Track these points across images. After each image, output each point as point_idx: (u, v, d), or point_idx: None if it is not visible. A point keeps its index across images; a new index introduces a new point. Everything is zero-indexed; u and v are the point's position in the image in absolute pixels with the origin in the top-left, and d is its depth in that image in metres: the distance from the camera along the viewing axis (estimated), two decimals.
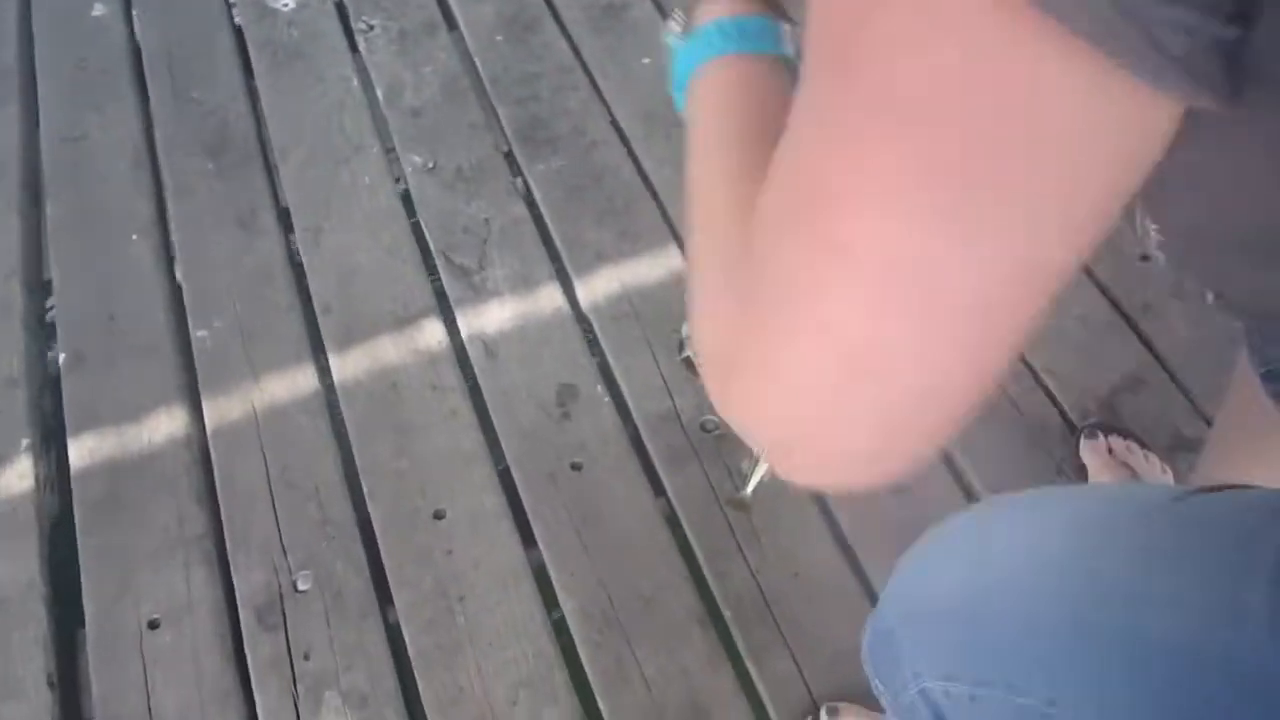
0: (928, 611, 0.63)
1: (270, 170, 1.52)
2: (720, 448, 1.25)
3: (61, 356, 1.33)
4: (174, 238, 1.45)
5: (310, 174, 1.50)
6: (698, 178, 0.42)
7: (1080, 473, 1.20)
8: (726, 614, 1.14)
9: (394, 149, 1.55)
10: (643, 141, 1.57)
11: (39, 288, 1.43)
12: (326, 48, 1.67)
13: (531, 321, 1.36)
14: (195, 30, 1.68)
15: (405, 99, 1.61)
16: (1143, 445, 1.21)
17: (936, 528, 0.65)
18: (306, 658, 1.11)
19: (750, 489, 1.12)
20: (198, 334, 1.35)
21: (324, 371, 1.32)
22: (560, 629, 1.14)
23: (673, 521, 1.21)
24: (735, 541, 1.19)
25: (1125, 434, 1.22)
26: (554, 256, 1.44)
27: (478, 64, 1.65)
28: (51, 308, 1.39)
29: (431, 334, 1.35)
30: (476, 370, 1.32)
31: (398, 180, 1.51)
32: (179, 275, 1.41)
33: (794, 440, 0.35)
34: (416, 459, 1.24)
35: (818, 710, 1.08)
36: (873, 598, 1.14)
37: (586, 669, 1.11)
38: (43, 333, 1.39)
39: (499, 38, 1.69)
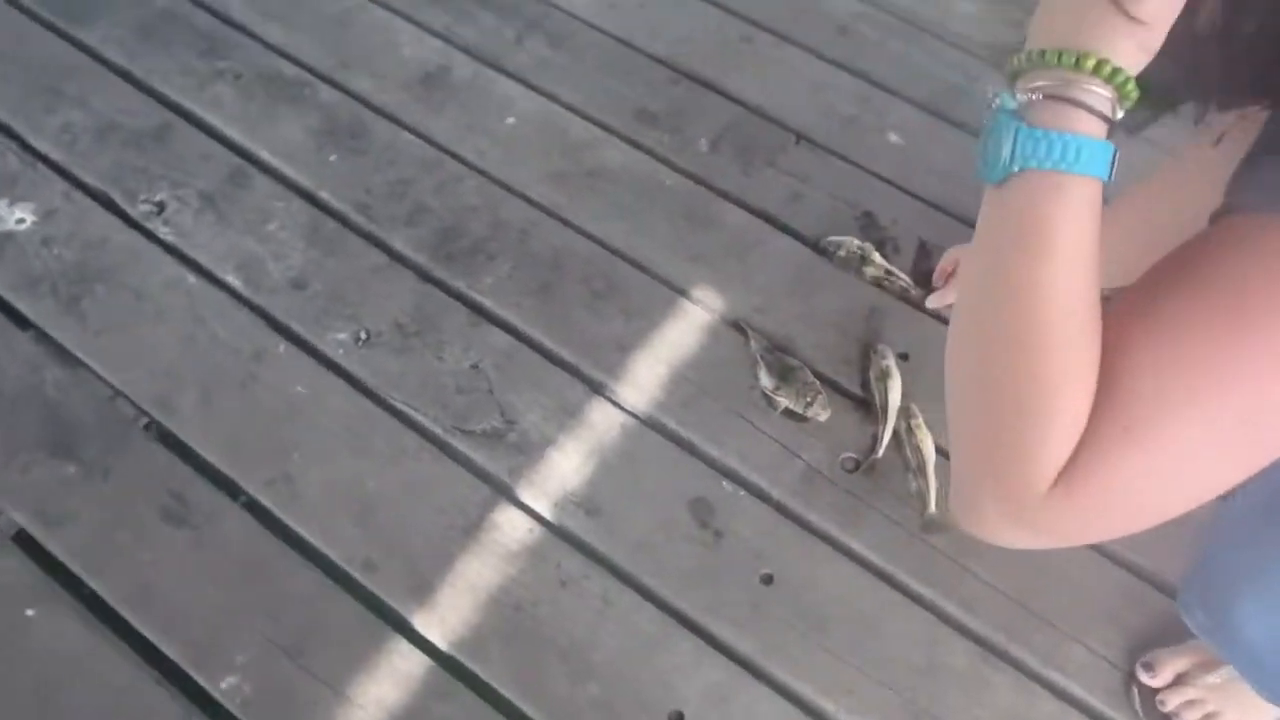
0: None
1: (167, 445, 1.18)
2: (876, 481, 1.19)
3: None
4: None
5: (219, 416, 1.19)
6: (1050, 278, 0.49)
7: None
8: (998, 638, 1.10)
9: (303, 336, 1.26)
10: (567, 205, 1.41)
11: None
12: (119, 253, 1.32)
13: (605, 452, 1.21)
14: None
15: (272, 272, 1.32)
16: None
17: None
18: None
19: (934, 505, 1.08)
20: (222, 685, 1.03)
21: (422, 645, 1.07)
22: None
23: (885, 576, 1.14)
24: (954, 563, 1.14)
25: None
26: (575, 370, 1.27)
27: (327, 197, 1.39)
28: None
29: (510, 526, 1.15)
30: (590, 539, 1.14)
31: (336, 371, 1.24)
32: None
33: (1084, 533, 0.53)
34: (605, 675, 1.06)
35: (1134, 674, 1.08)
36: (1103, 552, 1.16)
37: None
38: None
39: (332, 158, 1.43)
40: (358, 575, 1.10)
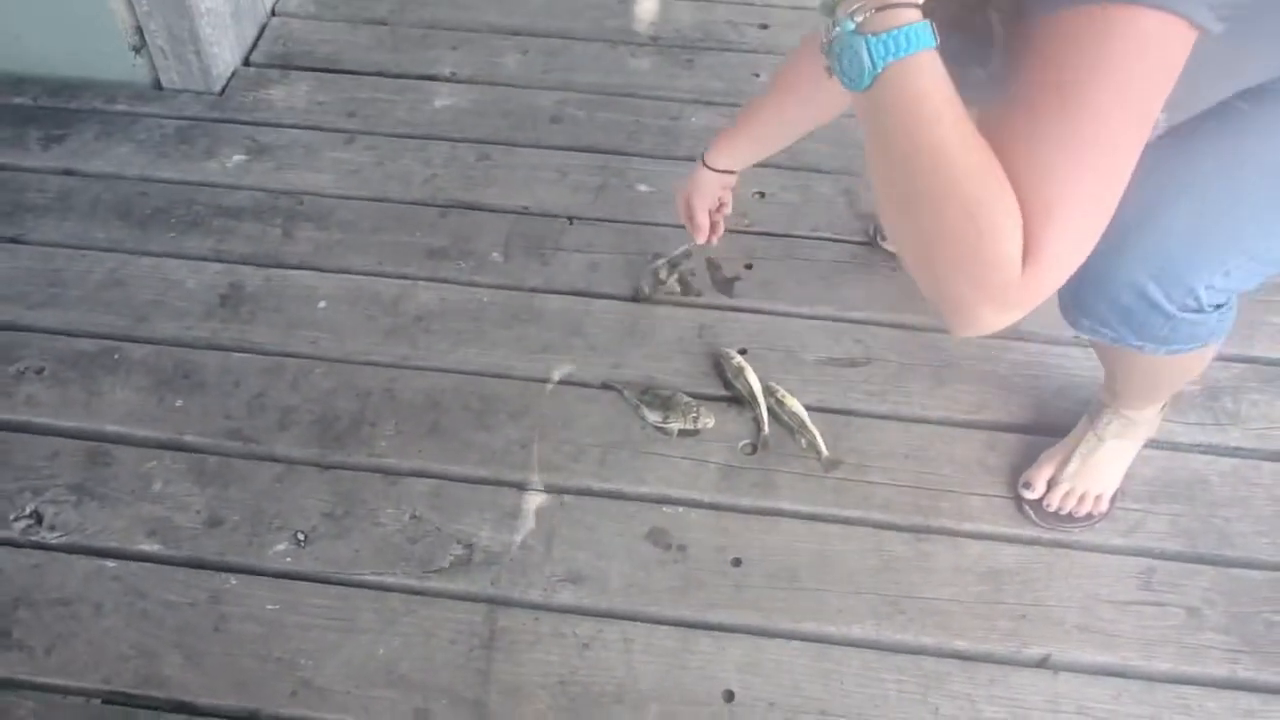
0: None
1: (179, 712, 1.31)
2: (773, 452, 1.54)
3: None
4: None
5: (211, 665, 1.34)
6: (942, 135, 0.73)
7: None
8: (917, 519, 1.48)
9: (246, 564, 1.44)
10: (413, 354, 1.67)
11: None
12: (22, 575, 1.42)
13: (559, 530, 1.47)
14: None
15: (183, 524, 1.46)
16: None
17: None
18: None
19: (825, 449, 1.46)
20: None
21: None
22: None
23: (817, 516, 1.49)
24: (860, 482, 1.51)
25: None
26: (497, 480, 1.52)
27: (194, 439, 1.57)
28: None
29: (518, 624, 1.38)
30: (587, 601, 1.41)
31: (295, 577, 1.43)
32: None
33: (1070, 265, 0.75)
34: (657, 695, 1.32)
35: (1020, 496, 1.48)
36: (956, 424, 1.59)
37: None
38: None
39: (178, 403, 1.60)
40: None
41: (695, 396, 1.56)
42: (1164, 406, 1.44)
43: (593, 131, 2.00)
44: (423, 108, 2.05)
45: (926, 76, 0.73)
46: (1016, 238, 0.73)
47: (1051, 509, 1.44)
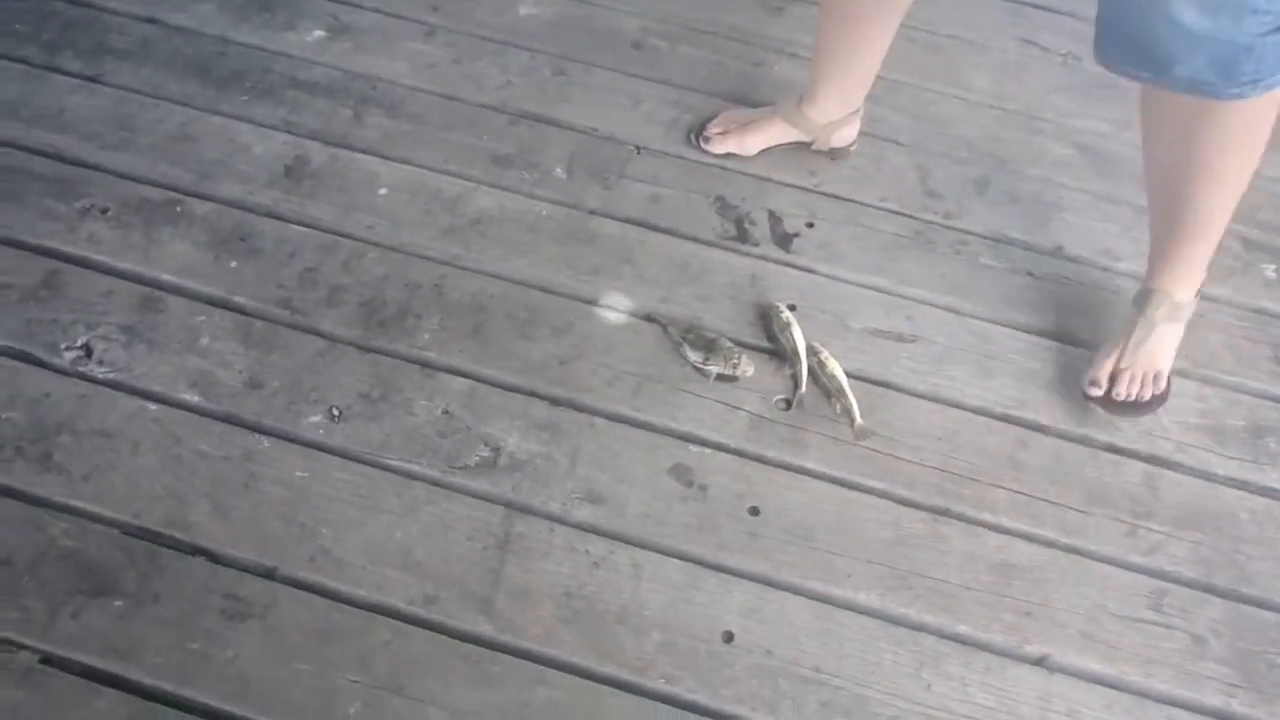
0: None
1: (201, 557, 1.40)
2: (806, 412, 1.60)
3: None
4: None
5: (237, 518, 1.41)
6: None
7: None
8: (938, 501, 1.55)
9: (281, 429, 1.52)
10: (466, 255, 1.72)
11: None
12: (67, 402, 1.50)
13: (585, 450, 1.53)
14: None
15: (225, 380, 1.53)
16: None
17: None
18: None
19: (859, 417, 1.52)
20: None
21: (503, 648, 1.36)
22: None
23: (841, 481, 1.56)
24: (888, 456, 1.57)
25: None
26: (531, 391, 1.59)
27: (245, 301, 1.64)
28: None
29: (533, 532, 1.45)
30: (603, 523, 1.47)
31: (326, 450, 1.51)
32: None
33: None
34: (659, 624, 1.39)
35: (1088, 396, 1.62)
36: (989, 414, 1.65)
37: None
38: None
39: (233, 264, 1.67)
40: (422, 612, 1.36)
41: (738, 344, 1.62)
42: (1198, 292, 1.56)
43: (673, 64, 2.04)
44: (506, 13, 2.09)
45: None
46: None
47: (1120, 398, 1.57)
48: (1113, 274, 1.79)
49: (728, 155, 1.86)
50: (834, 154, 1.88)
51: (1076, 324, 1.71)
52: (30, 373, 1.49)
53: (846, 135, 1.86)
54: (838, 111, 1.81)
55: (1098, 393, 1.57)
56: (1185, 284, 1.53)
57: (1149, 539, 1.50)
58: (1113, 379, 1.56)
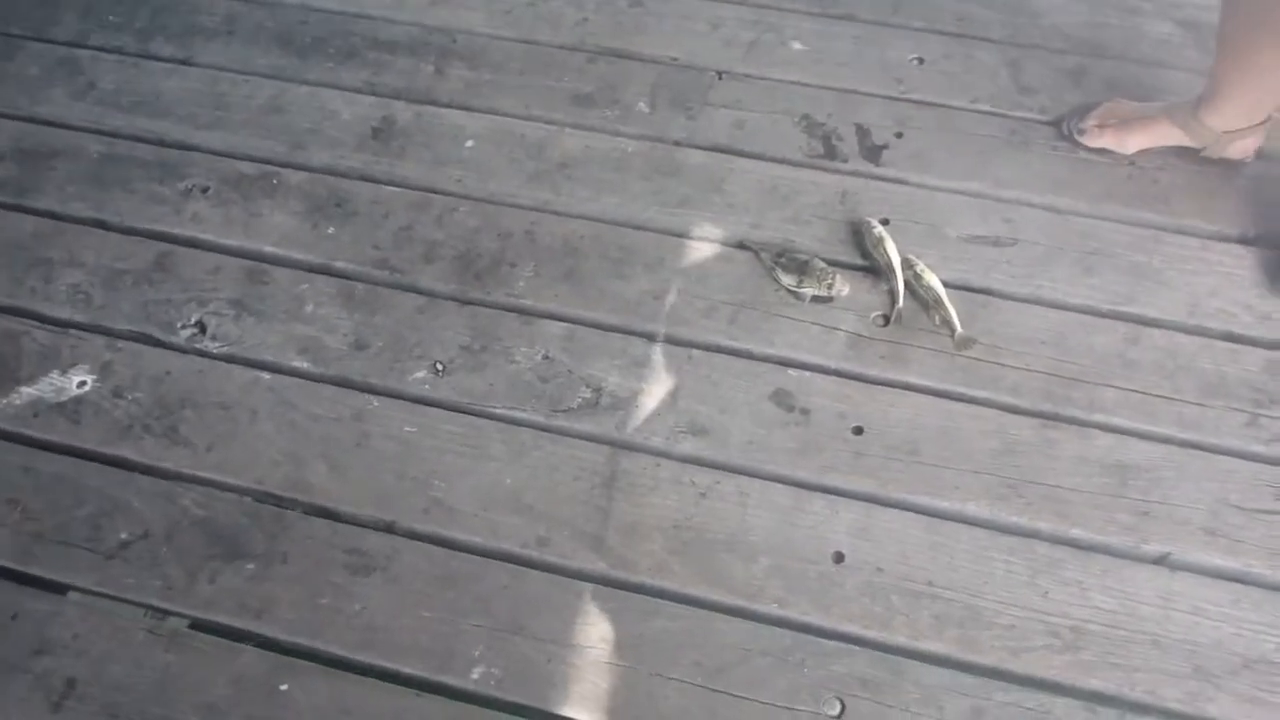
0: None
1: (323, 516, 1.48)
2: (905, 326, 1.59)
3: None
4: None
5: (353, 477, 1.48)
6: None
7: None
8: (1046, 406, 1.52)
9: (387, 387, 1.58)
10: (555, 199, 1.74)
11: None
12: (187, 378, 1.60)
13: (685, 383, 1.55)
14: None
15: (331, 345, 1.60)
16: None
17: None
18: None
19: (960, 326, 1.48)
20: (474, 676, 1.35)
21: (616, 583, 1.41)
22: None
23: (944, 393, 1.55)
24: (992, 364, 1.55)
25: None
26: (628, 329, 1.62)
27: (345, 265, 1.69)
28: None
29: (639, 468, 1.49)
30: (707, 453, 1.49)
31: (432, 404, 1.56)
32: None
33: None
34: (768, 549, 1.42)
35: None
36: (1099, 314, 1.59)
37: None
38: None
39: (330, 230, 1.72)
40: (536, 554, 1.42)
41: (831, 263, 1.61)
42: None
43: None
44: None
45: None
46: None
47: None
48: None
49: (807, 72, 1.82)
50: (1225, 164, 1.69)
51: (1182, 208, 1.64)
52: (150, 353, 1.59)
53: (1246, 147, 1.66)
54: (1242, 120, 1.61)
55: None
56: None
57: (1272, 427, 1.45)
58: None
